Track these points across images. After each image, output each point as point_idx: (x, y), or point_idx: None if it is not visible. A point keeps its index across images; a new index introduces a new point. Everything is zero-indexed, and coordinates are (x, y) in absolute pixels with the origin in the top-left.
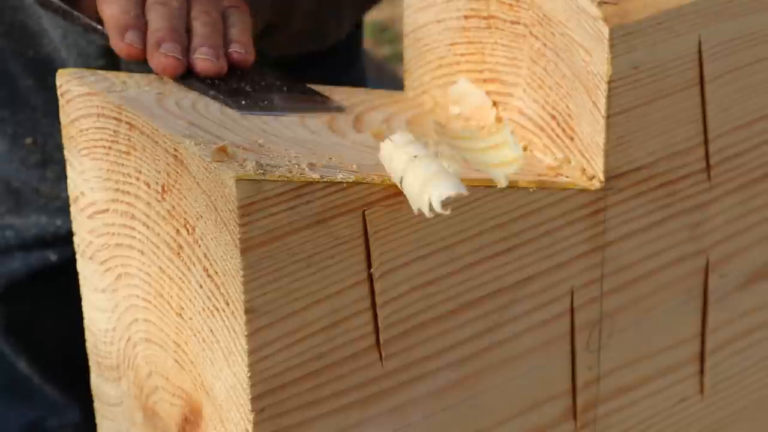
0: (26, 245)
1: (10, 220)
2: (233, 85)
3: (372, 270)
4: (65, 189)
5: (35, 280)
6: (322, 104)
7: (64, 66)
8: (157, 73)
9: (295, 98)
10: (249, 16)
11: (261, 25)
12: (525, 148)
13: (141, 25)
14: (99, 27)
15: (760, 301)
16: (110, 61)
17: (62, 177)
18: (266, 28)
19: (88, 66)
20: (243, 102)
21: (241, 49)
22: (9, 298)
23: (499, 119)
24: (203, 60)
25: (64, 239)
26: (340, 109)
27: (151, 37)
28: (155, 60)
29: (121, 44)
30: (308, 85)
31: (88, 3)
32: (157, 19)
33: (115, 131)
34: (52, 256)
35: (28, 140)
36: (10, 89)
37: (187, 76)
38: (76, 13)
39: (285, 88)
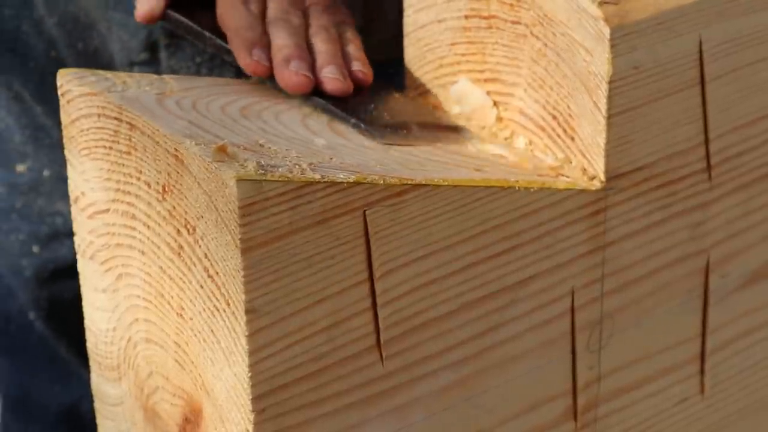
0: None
1: (61, 207)
2: (365, 109)
3: (373, 270)
4: None
5: None
6: (455, 132)
7: (110, 59)
8: (282, 89)
9: (431, 127)
10: (357, 33)
11: None
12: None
13: (266, 42)
14: (227, 46)
15: (760, 301)
16: (152, 55)
17: None
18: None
19: (131, 60)
20: (386, 130)
21: (364, 68)
22: (54, 283)
23: (499, 119)
24: (332, 79)
25: None
26: (467, 136)
27: (278, 54)
28: (285, 77)
29: (249, 60)
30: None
31: (203, 20)
32: (281, 36)
33: (115, 131)
34: None
35: None
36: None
37: (311, 94)
38: (207, 34)
39: (416, 116)
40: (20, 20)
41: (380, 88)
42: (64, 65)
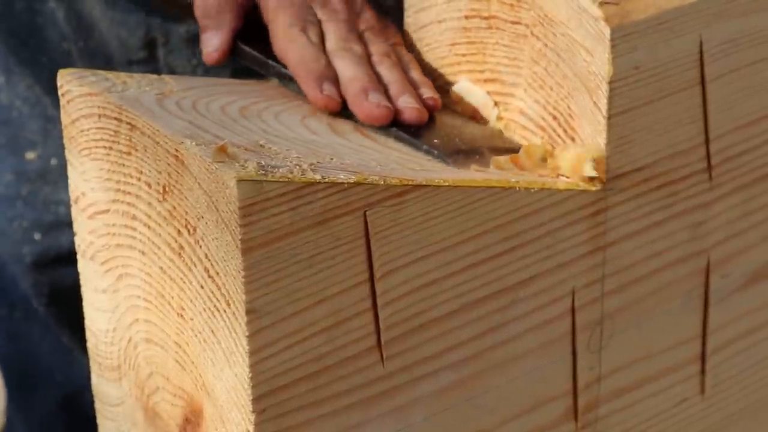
0: None
1: (64, 196)
2: (437, 135)
3: (373, 270)
4: None
5: None
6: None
7: (109, 58)
8: (362, 121)
9: (501, 150)
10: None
11: None
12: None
13: (333, 75)
14: (290, 73)
15: (761, 301)
16: (150, 53)
17: None
18: None
19: (129, 58)
20: (459, 156)
21: (434, 93)
22: (54, 271)
23: (500, 119)
24: (411, 109)
25: None
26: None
27: (351, 86)
28: (365, 109)
29: (320, 96)
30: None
31: (267, 47)
32: (350, 67)
33: (115, 131)
34: None
35: None
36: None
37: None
38: (271, 62)
39: (485, 140)
40: (33, 13)
41: (445, 112)
42: (73, 59)
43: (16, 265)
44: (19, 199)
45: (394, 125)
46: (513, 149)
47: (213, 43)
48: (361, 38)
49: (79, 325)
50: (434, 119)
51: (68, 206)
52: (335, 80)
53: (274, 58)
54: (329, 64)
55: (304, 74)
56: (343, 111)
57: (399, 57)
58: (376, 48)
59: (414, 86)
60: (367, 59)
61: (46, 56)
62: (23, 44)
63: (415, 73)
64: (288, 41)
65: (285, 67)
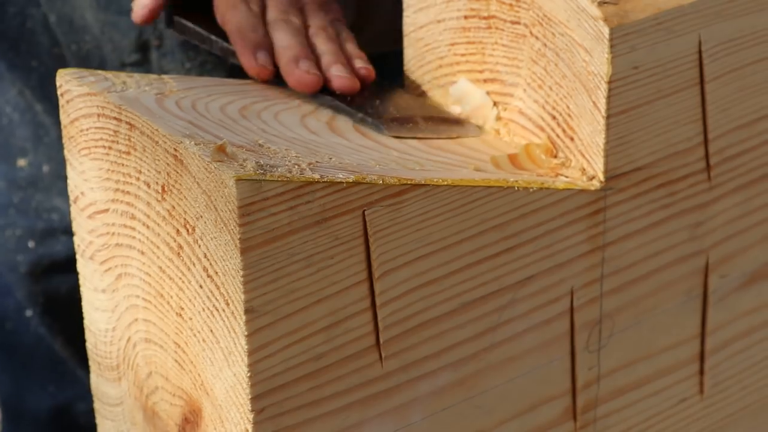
0: (70, 230)
1: (58, 203)
2: (370, 104)
3: (372, 270)
4: None
5: (75, 264)
6: (460, 125)
7: (102, 61)
8: (292, 88)
9: (436, 120)
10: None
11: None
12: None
13: (268, 45)
14: (233, 48)
15: (760, 301)
16: (143, 56)
17: None
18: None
19: (122, 61)
20: (392, 123)
21: (367, 64)
22: (48, 279)
23: (499, 119)
24: (340, 77)
25: None
26: (476, 132)
27: (285, 54)
28: (296, 76)
29: (254, 64)
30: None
31: (209, 23)
32: (285, 37)
33: (115, 131)
34: None
35: None
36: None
37: (320, 92)
38: (213, 37)
39: (421, 110)
40: (24, 17)
41: (382, 84)
42: (65, 64)
43: (10, 274)
44: (11, 207)
45: (330, 95)
46: (448, 119)
47: (143, 1)
48: (301, 11)
49: (73, 335)
50: (372, 90)
51: (61, 213)
52: (271, 50)
53: (217, 33)
54: (267, 34)
55: (241, 43)
56: (278, 81)
57: (337, 31)
58: (315, 21)
59: (348, 58)
60: (305, 31)
61: (37, 61)
62: (14, 49)
63: (351, 46)
64: (228, 8)
65: (226, 42)
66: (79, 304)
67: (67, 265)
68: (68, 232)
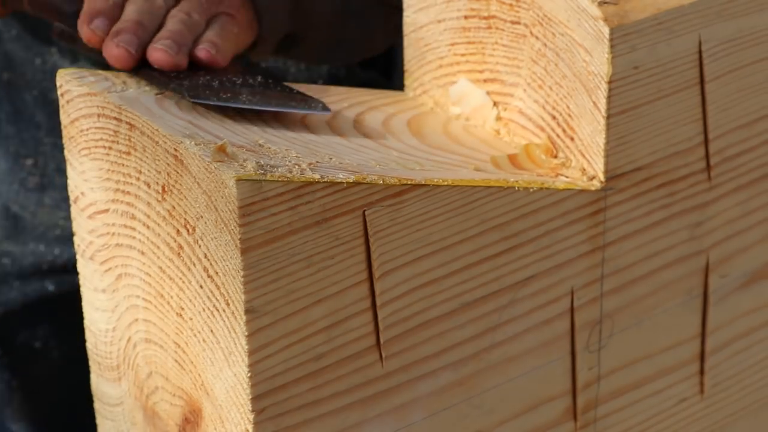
0: (23, 274)
1: (8, 247)
2: (199, 81)
3: (372, 270)
4: (63, 217)
5: (32, 311)
6: (303, 103)
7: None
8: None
9: (269, 95)
10: (239, 26)
11: (280, 34)
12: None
13: (113, 14)
14: (68, 30)
15: (760, 301)
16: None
17: (61, 204)
18: (286, 39)
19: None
20: (205, 94)
21: (211, 48)
22: (4, 328)
23: (499, 119)
24: (157, 50)
25: (62, 269)
26: (325, 109)
27: (114, 28)
28: (107, 49)
29: (85, 29)
30: (289, 85)
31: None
32: (130, 12)
33: (115, 131)
34: (50, 287)
35: (29, 161)
36: (17, 103)
37: (147, 69)
38: (78, 37)
39: (259, 86)
40: None
41: (246, 72)
42: (20, 87)
43: None
44: None
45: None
46: (282, 95)
47: None
48: None
49: (33, 395)
50: (211, 72)
51: (13, 258)
52: (113, 20)
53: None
54: (119, 5)
55: (86, 8)
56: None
57: (209, 22)
58: (183, 5)
59: (196, 41)
60: (162, 12)
61: None
62: None
63: (211, 33)
64: None
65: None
66: (37, 357)
67: (24, 312)
68: (21, 277)
